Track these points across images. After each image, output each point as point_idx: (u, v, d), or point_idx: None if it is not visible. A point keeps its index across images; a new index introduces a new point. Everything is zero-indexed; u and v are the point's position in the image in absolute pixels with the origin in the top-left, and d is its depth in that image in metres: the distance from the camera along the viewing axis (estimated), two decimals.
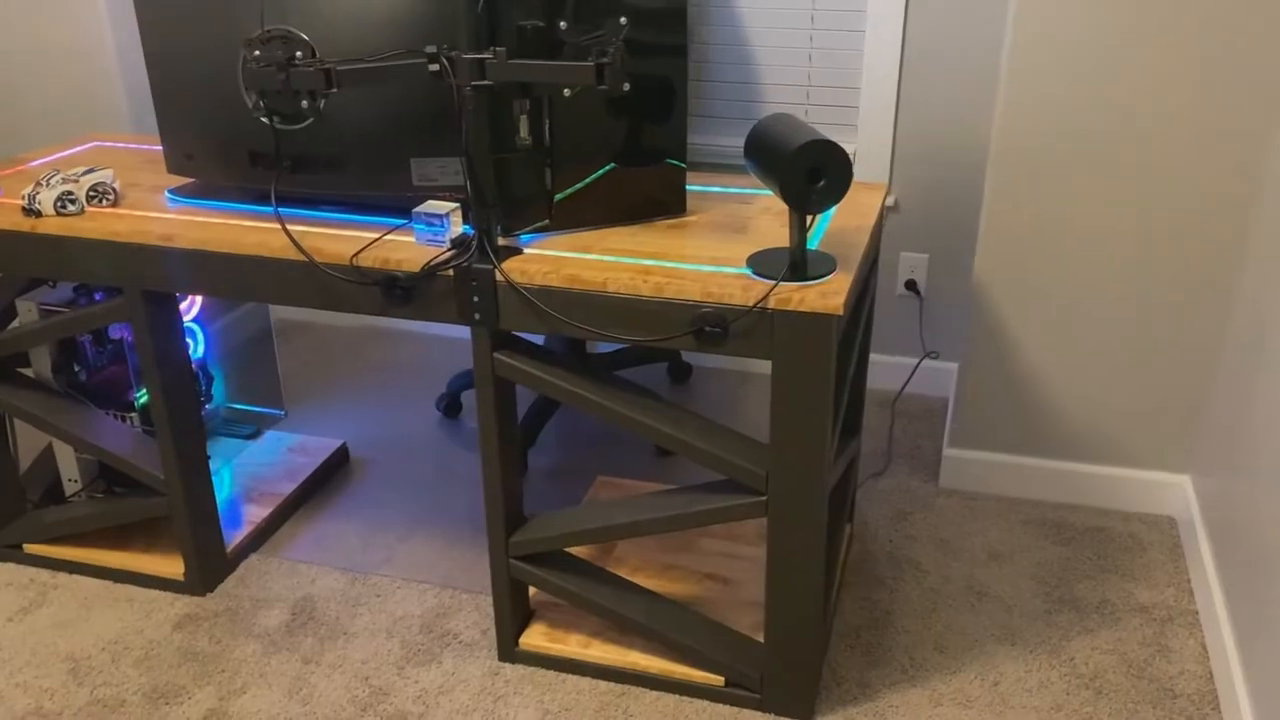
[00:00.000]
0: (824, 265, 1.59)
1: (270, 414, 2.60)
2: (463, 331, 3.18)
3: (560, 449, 2.61)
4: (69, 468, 2.23)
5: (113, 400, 2.18)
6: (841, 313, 1.51)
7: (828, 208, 1.50)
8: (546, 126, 1.69)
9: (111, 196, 1.92)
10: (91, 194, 1.91)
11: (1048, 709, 1.82)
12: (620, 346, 2.74)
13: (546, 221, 1.75)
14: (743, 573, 2.08)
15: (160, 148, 2.27)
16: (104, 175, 1.92)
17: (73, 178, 1.90)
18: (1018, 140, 2.13)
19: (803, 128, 1.53)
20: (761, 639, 1.87)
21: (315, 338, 3.20)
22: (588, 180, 1.74)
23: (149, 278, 1.84)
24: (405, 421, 2.75)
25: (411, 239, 1.74)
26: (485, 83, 1.56)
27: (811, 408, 1.58)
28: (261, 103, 1.70)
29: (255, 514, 2.30)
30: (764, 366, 2.97)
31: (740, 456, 1.66)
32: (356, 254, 1.69)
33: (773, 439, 1.61)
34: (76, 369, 2.17)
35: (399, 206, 1.82)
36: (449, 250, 1.69)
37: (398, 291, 1.70)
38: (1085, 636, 1.99)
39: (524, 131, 1.67)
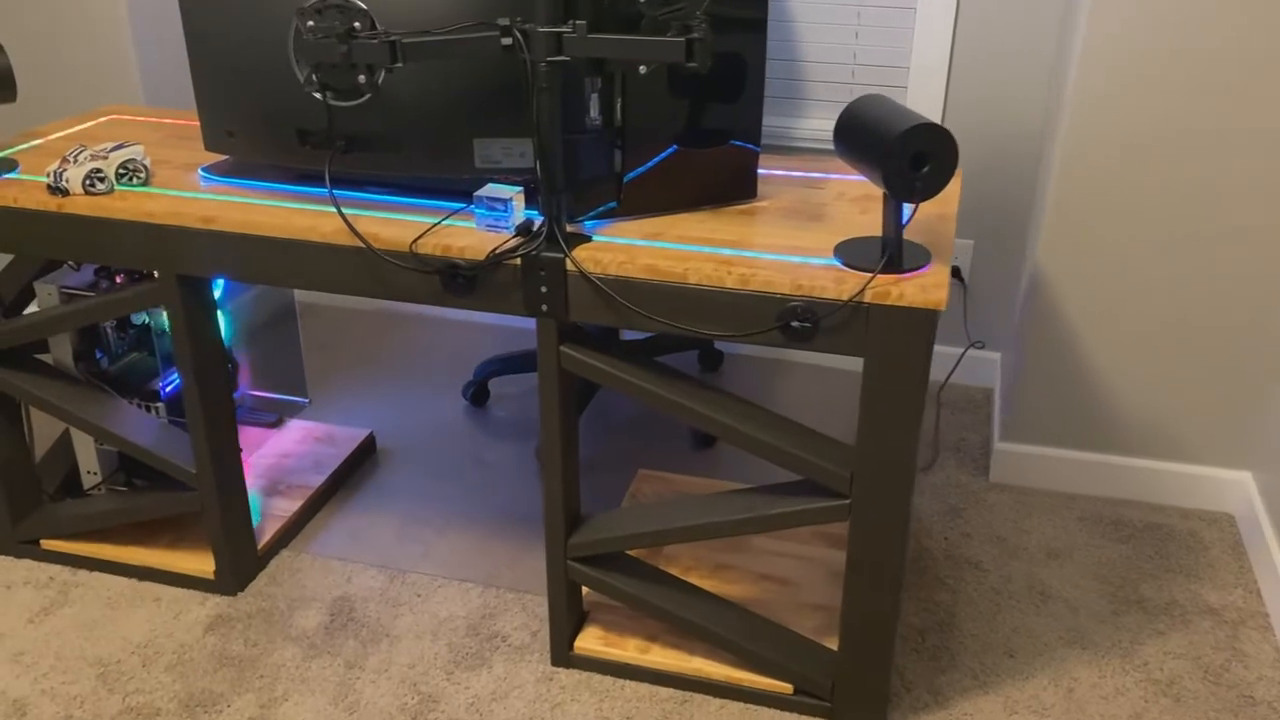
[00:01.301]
0: (919, 257, 1.50)
1: (294, 402, 2.49)
2: (487, 315, 3.07)
3: (591, 440, 2.52)
4: (88, 459, 2.12)
5: (136, 389, 2.07)
6: (944, 308, 1.42)
7: (931, 196, 1.41)
8: (618, 105, 1.59)
9: (143, 174, 1.80)
10: (121, 171, 1.79)
11: (1126, 718, 1.76)
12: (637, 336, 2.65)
13: (614, 206, 1.65)
14: (800, 573, 2.00)
15: (183, 121, 2.14)
16: (134, 151, 1.80)
17: (101, 154, 1.78)
18: (1089, 130, 2.04)
19: (903, 110, 1.43)
20: (828, 644, 1.80)
21: (331, 319, 3.09)
22: (656, 162, 1.64)
23: (186, 261, 1.73)
24: (431, 409, 2.65)
25: (470, 224, 1.64)
26: (562, 58, 1.46)
27: (904, 408, 1.49)
28: (315, 77, 1.58)
29: (284, 508, 2.20)
30: (798, 354, 2.89)
31: (824, 458, 1.58)
32: (416, 240, 1.59)
33: (861, 440, 1.53)
34: (99, 355, 2.06)
35: (453, 189, 1.71)
36: (514, 237, 1.59)
37: (459, 281, 1.60)
38: (1156, 639, 1.92)
39: (594, 111, 1.56)
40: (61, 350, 2.02)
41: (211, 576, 2.01)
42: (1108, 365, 2.21)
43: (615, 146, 1.61)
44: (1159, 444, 2.26)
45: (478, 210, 1.62)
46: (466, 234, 1.61)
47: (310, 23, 1.55)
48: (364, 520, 2.24)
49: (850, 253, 1.52)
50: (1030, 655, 1.89)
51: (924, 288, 1.43)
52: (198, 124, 2.12)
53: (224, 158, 1.88)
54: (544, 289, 1.57)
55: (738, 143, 1.68)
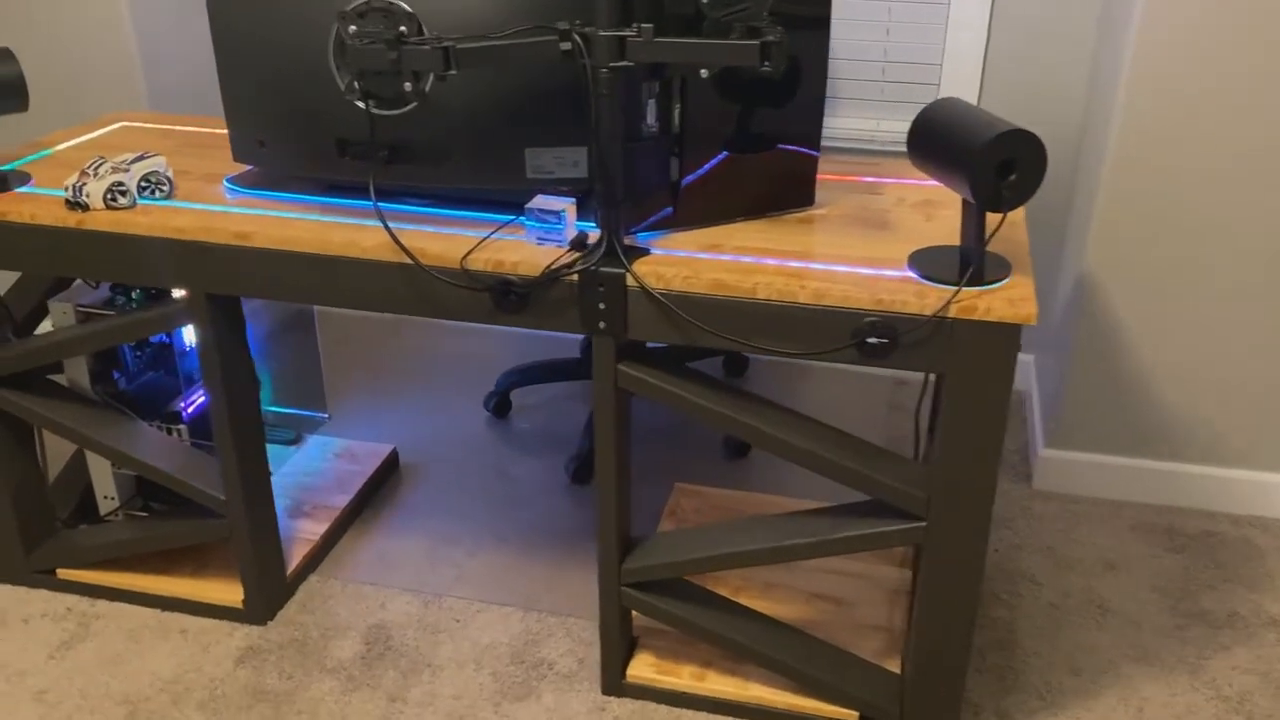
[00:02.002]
0: (1000, 268, 1.43)
1: (313, 417, 2.40)
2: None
3: None
4: (105, 484, 2.02)
5: (156, 410, 1.97)
6: (1035, 322, 1.35)
7: (1019, 205, 1.34)
8: (675, 111, 1.51)
9: (166, 187, 1.71)
10: (143, 184, 1.69)
11: None
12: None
13: (670, 216, 1.57)
14: (855, 592, 1.93)
15: (197, 129, 2.05)
16: (156, 163, 1.71)
17: (122, 166, 1.69)
18: (1141, 130, 1.98)
19: (985, 115, 1.36)
20: (890, 667, 1.73)
21: (341, 326, 3.00)
22: (710, 169, 1.57)
23: (218, 280, 1.63)
24: (452, 421, 2.56)
25: (517, 237, 1.56)
26: (624, 64, 1.37)
27: (987, 425, 1.42)
28: (357, 85, 1.49)
29: (310, 530, 2.11)
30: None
31: (899, 480, 1.51)
32: (466, 255, 1.50)
33: (940, 460, 1.46)
34: (116, 376, 1.96)
35: (494, 200, 1.63)
36: (567, 251, 1.51)
37: (512, 298, 1.51)
38: (1222, 654, 1.87)
39: (651, 117, 1.49)
40: (77, 371, 1.92)
41: (240, 605, 1.92)
42: (1158, 369, 2.16)
43: (672, 154, 1.54)
44: (1211, 449, 2.20)
45: (529, 223, 1.54)
46: (516, 248, 1.53)
47: (353, 27, 1.46)
48: (392, 541, 2.15)
49: (926, 264, 1.45)
50: (1096, 673, 1.83)
51: (1011, 301, 1.36)
52: (212, 131, 2.03)
53: (247, 168, 1.79)
54: (602, 305, 1.49)
55: (794, 147, 1.61)
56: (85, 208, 1.65)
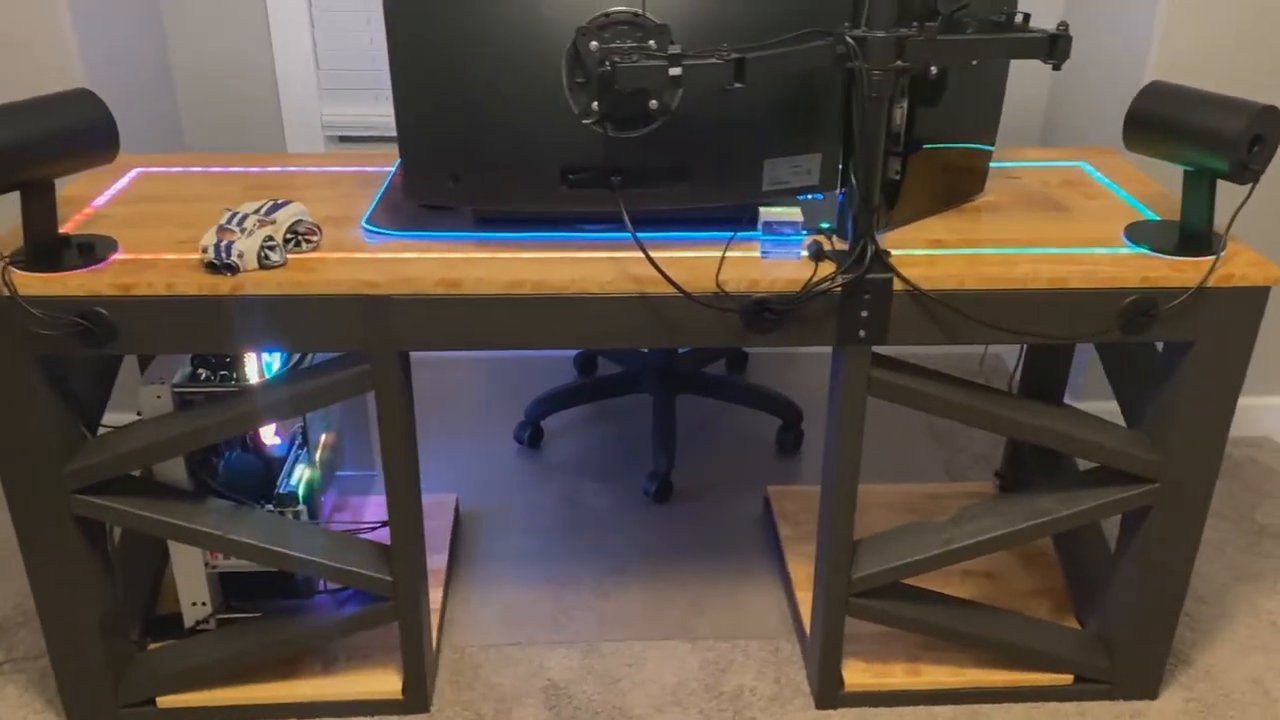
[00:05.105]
0: (1217, 239, 1.53)
1: (364, 477, 2.17)
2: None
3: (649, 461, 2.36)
4: (194, 589, 1.74)
5: (256, 494, 1.72)
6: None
7: (1260, 176, 1.44)
8: (904, 111, 1.50)
9: (315, 238, 1.49)
10: (288, 237, 1.47)
11: None
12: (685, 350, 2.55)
13: (884, 217, 1.56)
14: (994, 565, 2.00)
15: (232, 169, 1.79)
16: (297, 211, 1.49)
17: (265, 219, 1.46)
18: None
19: (1217, 96, 1.45)
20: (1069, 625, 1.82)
21: None
22: (913, 168, 1.57)
23: (411, 336, 1.45)
24: (488, 459, 2.40)
25: (740, 254, 1.49)
26: (900, 65, 1.35)
27: (1230, 385, 1.52)
28: (595, 107, 1.37)
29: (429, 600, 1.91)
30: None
31: (1135, 447, 1.58)
32: (717, 277, 1.42)
33: (1177, 422, 1.54)
34: (215, 460, 1.69)
35: (697, 218, 1.54)
36: (810, 261, 1.47)
37: (767, 317, 1.45)
38: None
39: (899, 118, 1.47)
40: (173, 462, 1.64)
41: (399, 695, 1.72)
42: None
43: (894, 153, 1.52)
44: None
45: (765, 238, 1.48)
46: (752, 264, 1.46)
47: (594, 43, 1.34)
48: (504, 595, 1.99)
49: (1153, 239, 1.53)
50: (1217, 597, 2.00)
51: (1255, 264, 1.46)
52: (264, 170, 1.79)
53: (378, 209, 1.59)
54: (865, 313, 1.45)
55: (975, 140, 1.64)
56: (235, 270, 1.41)
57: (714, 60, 1.28)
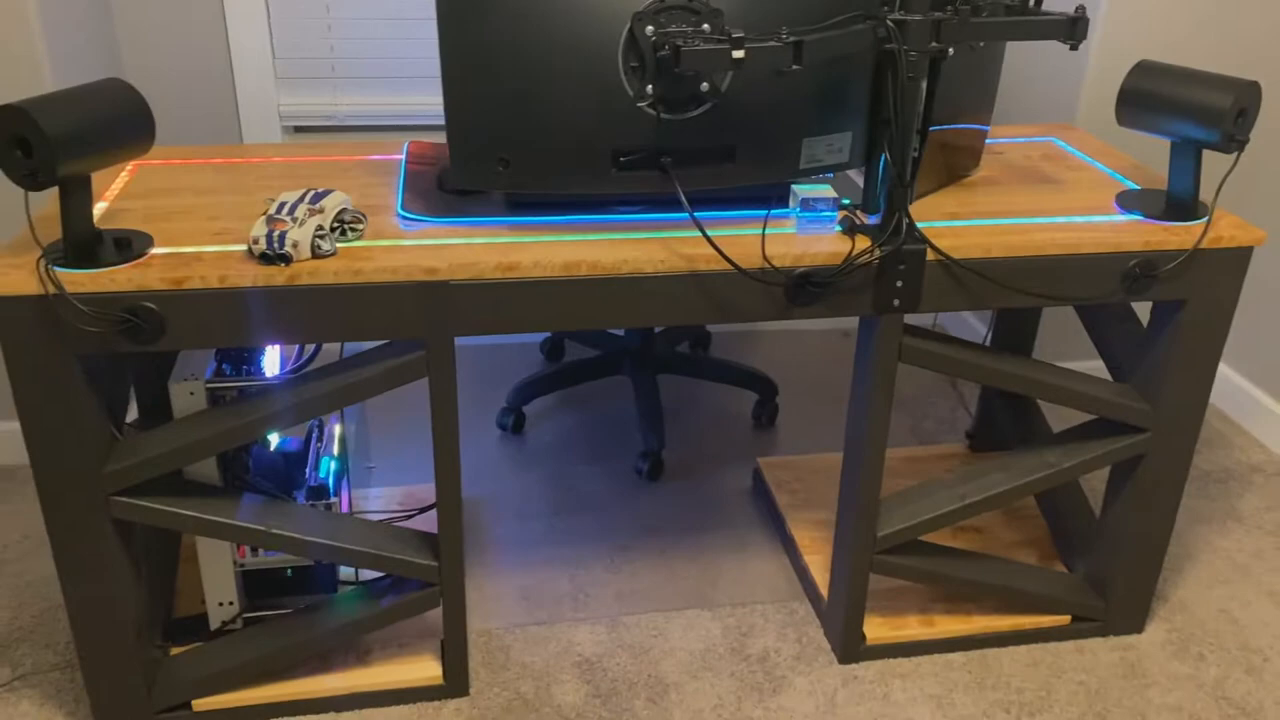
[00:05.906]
0: (1201, 205, 1.67)
1: (358, 469, 2.16)
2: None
3: (639, 440, 2.43)
4: (222, 589, 1.72)
5: (286, 486, 1.70)
6: (1263, 243, 1.60)
7: (1243, 147, 1.58)
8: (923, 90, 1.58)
9: (361, 226, 1.49)
10: (335, 225, 1.47)
11: None
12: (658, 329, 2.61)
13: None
14: (979, 520, 2.12)
15: (235, 160, 1.77)
16: (342, 199, 1.49)
17: (313, 207, 1.45)
18: None
19: (1201, 73, 1.58)
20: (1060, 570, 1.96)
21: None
22: (929, 146, 1.66)
23: (466, 321, 1.47)
24: (475, 446, 2.41)
25: (777, 230, 1.56)
26: (938, 46, 1.43)
27: (1215, 341, 1.66)
28: (650, 89, 1.41)
29: None
30: (772, 323, 2.96)
31: (1129, 399, 1.72)
32: (764, 251, 1.48)
33: (1170, 374, 1.68)
34: (247, 457, 1.67)
35: (733, 197, 1.60)
36: (843, 235, 1.54)
37: (808, 290, 1.52)
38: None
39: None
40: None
41: (439, 680, 1.73)
42: None
43: (917, 131, 1.60)
44: None
45: (802, 214, 1.55)
46: (790, 240, 1.53)
47: (649, 28, 1.38)
48: (517, 579, 2.02)
49: (1146, 206, 1.65)
50: (1188, 540, 2.17)
51: (1239, 227, 1.60)
52: (267, 161, 1.76)
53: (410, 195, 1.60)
54: (900, 283, 1.54)
55: (976, 119, 1.74)
56: (289, 260, 1.40)
57: (774, 43, 1.34)
